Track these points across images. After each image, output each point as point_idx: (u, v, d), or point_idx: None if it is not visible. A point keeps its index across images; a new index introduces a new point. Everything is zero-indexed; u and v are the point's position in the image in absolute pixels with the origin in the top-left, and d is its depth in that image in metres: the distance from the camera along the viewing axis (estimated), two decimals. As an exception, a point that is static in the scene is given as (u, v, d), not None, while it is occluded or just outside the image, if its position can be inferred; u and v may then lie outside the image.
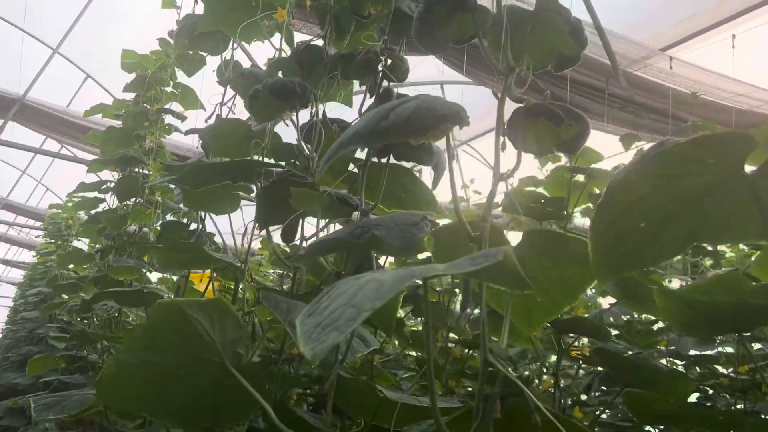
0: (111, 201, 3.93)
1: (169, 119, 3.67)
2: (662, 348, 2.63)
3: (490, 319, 1.37)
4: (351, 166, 1.45)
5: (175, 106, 3.61)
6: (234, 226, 1.86)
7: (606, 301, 2.95)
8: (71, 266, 5.45)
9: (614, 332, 2.90)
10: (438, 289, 2.00)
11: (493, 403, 0.94)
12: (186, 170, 1.24)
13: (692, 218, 0.68)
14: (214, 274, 1.83)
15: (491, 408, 0.93)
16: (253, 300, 1.66)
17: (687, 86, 5.00)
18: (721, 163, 0.59)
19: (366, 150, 1.32)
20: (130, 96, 3.74)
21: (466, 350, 1.79)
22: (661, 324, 2.78)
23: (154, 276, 3.60)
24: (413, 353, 2.37)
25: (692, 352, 2.70)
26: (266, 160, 1.47)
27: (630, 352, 1.96)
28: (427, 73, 7.98)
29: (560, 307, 1.14)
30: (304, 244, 1.46)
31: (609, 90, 4.90)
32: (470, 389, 1.77)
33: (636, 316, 2.96)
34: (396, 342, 2.19)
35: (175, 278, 3.49)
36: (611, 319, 3.00)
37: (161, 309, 1.06)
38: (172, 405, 1.15)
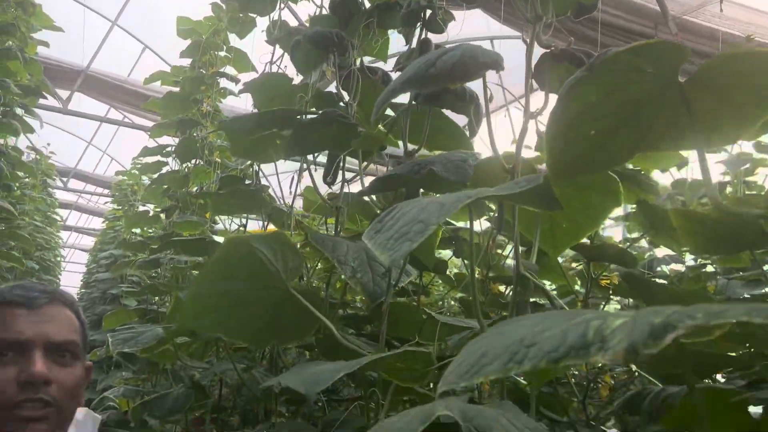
0: (172, 164, 4.14)
1: (224, 83, 3.83)
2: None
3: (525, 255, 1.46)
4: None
5: (229, 70, 3.76)
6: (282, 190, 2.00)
7: (661, 251, 2.99)
8: (138, 230, 5.76)
9: (665, 281, 2.94)
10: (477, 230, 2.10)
11: (523, 309, 1.06)
12: (232, 119, 1.37)
13: (637, 127, 0.74)
14: (267, 223, 1.98)
15: (523, 313, 1.04)
16: (301, 242, 1.80)
17: (740, 29, 4.83)
18: (658, 71, 0.66)
19: (409, 96, 1.42)
20: (186, 62, 3.91)
21: (504, 287, 1.89)
22: (710, 268, 2.81)
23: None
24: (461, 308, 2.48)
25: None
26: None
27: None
28: (475, 29, 7.95)
29: (583, 232, 1.24)
30: (346, 189, 1.58)
31: (658, 36, 4.79)
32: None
33: (686, 265, 2.99)
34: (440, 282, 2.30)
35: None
36: (664, 268, 3.04)
37: (230, 243, 1.20)
38: (242, 326, 1.30)
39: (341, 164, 1.42)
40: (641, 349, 0.41)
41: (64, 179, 12.97)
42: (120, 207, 7.59)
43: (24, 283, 0.99)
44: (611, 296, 1.54)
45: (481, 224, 2.15)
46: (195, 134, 3.76)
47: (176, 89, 3.83)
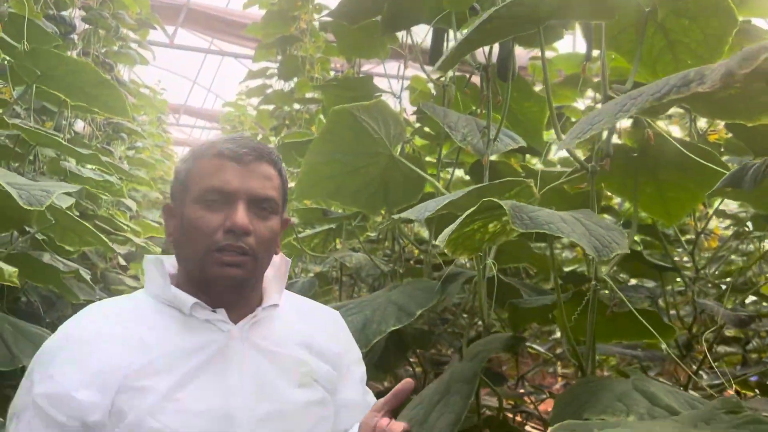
0: (276, 87, 4.32)
1: (318, -2, 3.91)
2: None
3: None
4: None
5: (323, -17, 3.83)
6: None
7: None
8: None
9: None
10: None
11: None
12: (339, 6, 1.45)
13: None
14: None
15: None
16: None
17: None
18: None
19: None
20: (281, -17, 4.01)
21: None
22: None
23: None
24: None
25: None
26: None
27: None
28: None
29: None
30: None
31: None
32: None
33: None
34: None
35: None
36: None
37: (335, 114, 1.30)
38: (353, 193, 1.42)
39: (446, 42, 1.48)
40: (737, 70, 0.47)
41: (176, 116, 13.61)
42: (229, 138, 7.97)
43: (236, 137, 1.06)
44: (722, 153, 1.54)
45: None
46: (295, 51, 3.89)
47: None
